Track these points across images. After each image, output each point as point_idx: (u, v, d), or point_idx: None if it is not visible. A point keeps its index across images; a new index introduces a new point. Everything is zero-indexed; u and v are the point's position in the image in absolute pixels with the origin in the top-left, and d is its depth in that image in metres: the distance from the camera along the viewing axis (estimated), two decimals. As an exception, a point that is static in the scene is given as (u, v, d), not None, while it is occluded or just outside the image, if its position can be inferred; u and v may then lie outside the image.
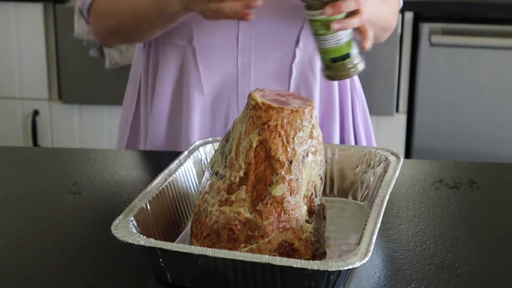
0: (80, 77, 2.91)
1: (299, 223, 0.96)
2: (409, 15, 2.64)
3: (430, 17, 2.63)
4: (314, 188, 1.00)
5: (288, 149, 0.96)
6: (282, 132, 0.96)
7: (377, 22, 1.33)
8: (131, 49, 2.72)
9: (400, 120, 2.75)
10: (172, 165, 1.12)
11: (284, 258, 0.88)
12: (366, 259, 0.88)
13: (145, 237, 0.93)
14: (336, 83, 1.45)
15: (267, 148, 0.96)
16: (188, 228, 1.09)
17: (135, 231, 0.95)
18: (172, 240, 1.05)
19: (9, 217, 1.16)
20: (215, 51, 1.39)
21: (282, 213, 0.95)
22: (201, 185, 1.03)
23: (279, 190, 0.95)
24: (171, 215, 1.07)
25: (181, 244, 0.92)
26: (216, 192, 0.98)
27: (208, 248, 0.90)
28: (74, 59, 2.90)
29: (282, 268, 0.88)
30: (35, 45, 2.91)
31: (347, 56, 1.19)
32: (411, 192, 1.24)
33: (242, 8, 1.21)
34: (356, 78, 1.51)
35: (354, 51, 1.20)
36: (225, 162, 0.99)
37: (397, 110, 2.74)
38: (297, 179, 0.96)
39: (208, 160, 1.18)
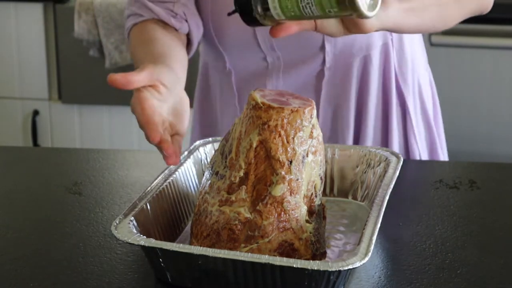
0: (80, 77, 2.91)
1: (299, 223, 0.96)
2: (409, 15, 2.64)
3: (430, 17, 2.63)
4: (314, 188, 1.00)
5: (288, 149, 0.96)
6: (282, 132, 0.96)
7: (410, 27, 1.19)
8: (131, 49, 2.72)
9: (400, 120, 2.74)
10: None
11: (284, 258, 0.88)
12: (366, 259, 0.88)
13: (145, 237, 0.93)
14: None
15: (267, 148, 0.96)
16: (188, 228, 1.09)
17: (135, 231, 0.95)
18: (172, 240, 1.05)
19: (9, 217, 1.16)
20: (248, 74, 1.43)
21: (282, 213, 0.95)
22: (201, 185, 1.03)
23: (279, 190, 0.95)
24: (171, 215, 1.07)
25: (181, 244, 0.92)
26: (216, 192, 0.98)
27: (208, 248, 0.90)
28: (74, 59, 2.90)
29: (282, 268, 0.88)
30: (35, 45, 2.91)
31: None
32: (411, 192, 1.24)
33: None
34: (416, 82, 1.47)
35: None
36: (225, 162, 0.99)
37: (397, 110, 2.73)
38: (297, 179, 0.96)
39: (208, 160, 1.18)
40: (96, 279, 0.98)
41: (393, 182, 1.07)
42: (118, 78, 1.02)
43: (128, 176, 1.30)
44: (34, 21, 2.88)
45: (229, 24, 1.35)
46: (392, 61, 1.42)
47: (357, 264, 0.87)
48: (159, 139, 1.02)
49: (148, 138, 1.04)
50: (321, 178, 1.01)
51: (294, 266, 0.87)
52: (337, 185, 1.19)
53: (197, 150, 1.18)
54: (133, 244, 0.92)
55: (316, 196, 1.00)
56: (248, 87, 1.41)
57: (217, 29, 1.38)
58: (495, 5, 1.32)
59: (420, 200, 1.21)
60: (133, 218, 0.97)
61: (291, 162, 0.96)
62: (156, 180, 1.07)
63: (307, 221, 0.98)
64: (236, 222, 0.95)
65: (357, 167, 1.18)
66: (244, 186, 0.96)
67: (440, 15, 1.22)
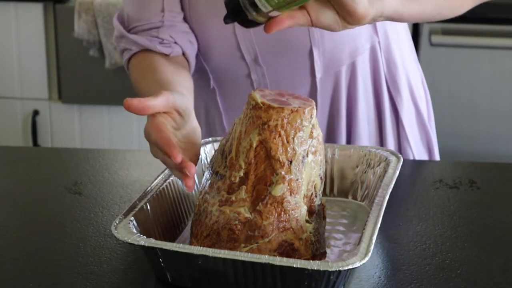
0: (80, 77, 2.91)
1: (299, 223, 0.96)
2: (409, 15, 2.64)
3: (430, 17, 2.63)
4: (314, 188, 1.00)
5: (288, 149, 0.96)
6: (282, 132, 0.96)
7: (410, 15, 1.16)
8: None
9: (400, 120, 2.74)
10: (172, 165, 1.12)
11: (284, 258, 0.88)
12: (366, 259, 0.88)
13: (145, 237, 0.93)
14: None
15: (267, 148, 0.96)
16: (188, 228, 1.09)
17: (135, 231, 0.95)
18: (172, 240, 1.05)
19: (9, 217, 1.16)
20: (234, 90, 1.41)
21: (282, 213, 0.95)
22: (201, 185, 1.03)
23: (279, 190, 0.95)
24: (171, 215, 1.07)
25: (181, 244, 0.92)
26: (216, 192, 0.98)
27: (208, 248, 0.90)
28: (74, 59, 2.90)
29: (282, 268, 0.88)
30: (35, 45, 2.91)
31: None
32: (411, 192, 1.24)
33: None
34: (410, 82, 1.46)
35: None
36: (225, 162, 0.99)
37: (397, 110, 2.73)
38: (297, 179, 0.96)
39: (208, 160, 1.18)
40: (96, 279, 0.98)
41: (393, 182, 1.07)
42: (135, 103, 1.00)
43: (128, 176, 1.31)
44: (34, 21, 2.88)
45: (212, 33, 1.33)
46: (381, 65, 1.41)
47: (357, 264, 0.87)
48: (181, 158, 0.98)
49: (166, 161, 1.02)
50: (321, 178, 1.01)
51: (294, 266, 0.87)
52: (337, 185, 1.19)
53: (197, 150, 1.18)
54: (133, 244, 0.92)
55: (316, 196, 1.00)
56: (233, 107, 1.41)
57: (202, 42, 1.36)
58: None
59: (420, 200, 1.21)
60: (133, 218, 0.97)
61: (291, 162, 0.96)
62: (156, 180, 1.07)
63: (307, 221, 0.98)
64: (236, 222, 0.95)
65: (357, 167, 1.18)
66: (244, 186, 0.96)
67: (445, 1, 1.19)
